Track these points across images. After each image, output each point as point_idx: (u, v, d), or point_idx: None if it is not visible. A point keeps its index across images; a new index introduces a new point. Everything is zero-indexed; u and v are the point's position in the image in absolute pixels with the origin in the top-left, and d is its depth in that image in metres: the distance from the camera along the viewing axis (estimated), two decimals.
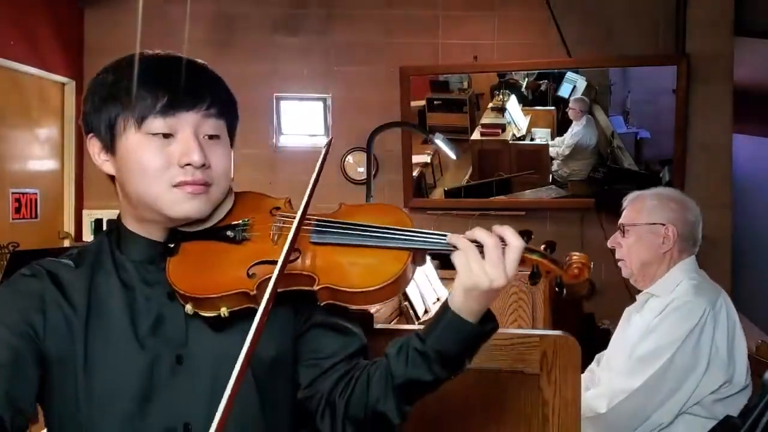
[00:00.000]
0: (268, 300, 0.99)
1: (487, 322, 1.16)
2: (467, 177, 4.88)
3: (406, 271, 1.15)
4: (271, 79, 4.81)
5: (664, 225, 2.29)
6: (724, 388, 2.12)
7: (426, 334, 1.13)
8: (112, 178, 1.23)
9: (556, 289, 1.19)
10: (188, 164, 1.13)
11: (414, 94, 4.83)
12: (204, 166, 1.14)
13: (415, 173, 4.90)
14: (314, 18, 5.00)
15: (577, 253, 1.18)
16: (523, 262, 1.15)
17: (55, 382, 1.16)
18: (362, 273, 1.13)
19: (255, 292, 1.11)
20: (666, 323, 2.15)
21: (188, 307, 1.13)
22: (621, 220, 2.39)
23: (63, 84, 4.96)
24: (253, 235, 1.18)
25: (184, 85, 1.14)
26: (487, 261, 1.10)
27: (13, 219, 4.46)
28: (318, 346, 1.22)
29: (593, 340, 2.65)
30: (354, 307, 1.16)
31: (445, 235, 1.15)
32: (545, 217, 4.87)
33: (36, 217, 4.68)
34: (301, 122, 4.94)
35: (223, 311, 1.12)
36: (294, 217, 1.14)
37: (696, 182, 4.59)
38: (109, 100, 1.15)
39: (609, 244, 2.42)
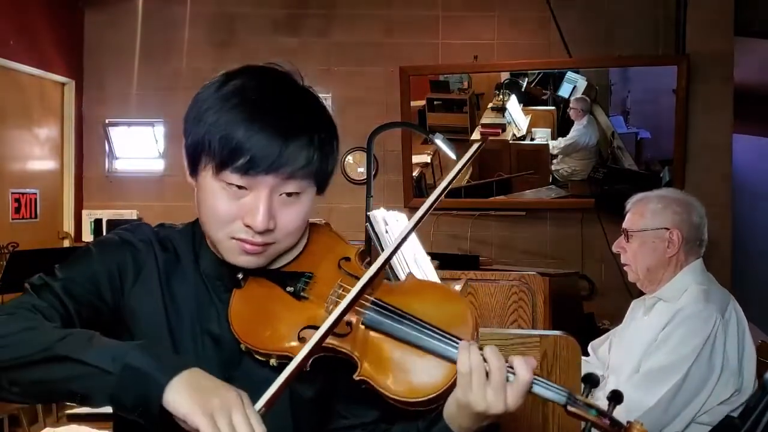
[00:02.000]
0: (299, 365, 1.01)
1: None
2: (467, 177, 4.88)
3: (451, 387, 1.07)
4: None
5: (668, 229, 2.23)
6: (734, 397, 2.10)
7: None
8: None
9: None
10: (249, 226, 1.10)
11: (414, 94, 4.82)
12: (267, 231, 1.10)
13: (415, 173, 4.90)
14: (314, 18, 5.00)
15: (639, 424, 1.06)
16: (576, 416, 1.07)
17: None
18: (405, 380, 1.08)
19: None
20: (677, 335, 2.10)
21: (242, 346, 1.14)
22: (624, 225, 2.31)
23: (63, 84, 4.96)
24: (312, 295, 1.15)
25: (275, 147, 1.07)
26: (490, 384, 1.05)
27: (12, 219, 4.46)
28: (348, 401, 1.23)
29: (593, 340, 2.64)
30: (388, 402, 1.10)
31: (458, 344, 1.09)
32: (545, 217, 4.87)
33: (36, 217, 4.68)
34: None
35: (272, 362, 1.12)
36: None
37: (696, 182, 4.59)
38: (201, 127, 1.10)
39: (614, 249, 2.36)
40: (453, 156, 3.74)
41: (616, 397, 1.08)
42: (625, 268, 2.35)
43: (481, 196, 4.85)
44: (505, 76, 4.78)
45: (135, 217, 5.01)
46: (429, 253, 2.43)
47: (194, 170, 1.14)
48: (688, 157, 4.62)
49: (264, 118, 1.08)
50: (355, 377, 1.09)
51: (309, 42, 4.97)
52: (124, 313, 1.17)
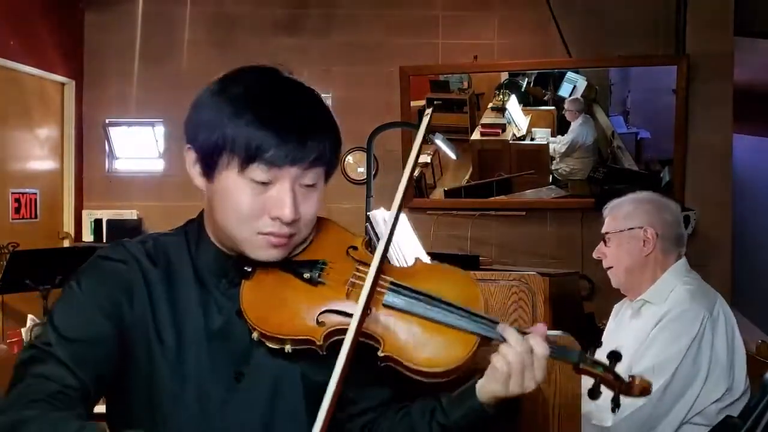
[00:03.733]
0: (344, 366, 1.04)
1: (512, 406, 1.19)
2: (467, 177, 4.88)
3: (472, 356, 1.15)
4: None
5: (642, 228, 2.26)
6: (726, 397, 2.11)
7: (451, 409, 1.18)
8: None
9: (611, 403, 1.18)
10: (278, 218, 1.14)
11: (414, 94, 4.82)
12: (293, 222, 1.15)
13: (415, 173, 4.90)
14: (314, 18, 5.00)
15: (639, 377, 1.17)
16: (586, 373, 1.17)
17: (131, 369, 1.18)
18: (428, 352, 1.14)
19: (321, 342, 1.14)
20: (665, 335, 2.12)
21: (255, 335, 1.15)
22: (603, 230, 2.38)
23: (63, 84, 4.96)
24: (328, 280, 1.19)
25: (296, 139, 1.13)
26: (526, 373, 1.14)
27: (12, 219, 4.46)
28: (358, 386, 1.24)
29: (593, 340, 2.64)
30: (411, 376, 1.16)
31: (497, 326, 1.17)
32: (545, 217, 4.87)
33: (36, 217, 4.68)
34: None
35: (288, 348, 1.15)
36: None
37: (696, 182, 4.59)
38: (219, 129, 1.13)
39: (594, 254, 2.40)
40: (453, 156, 3.74)
41: (615, 356, 1.18)
42: (608, 273, 2.38)
43: (481, 196, 4.85)
44: (505, 76, 4.78)
45: (135, 217, 5.01)
46: (429, 253, 2.43)
47: (211, 173, 1.16)
48: (688, 157, 4.62)
49: (284, 113, 1.14)
50: (380, 354, 1.13)
51: (309, 42, 4.97)
52: (124, 340, 1.17)
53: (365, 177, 3.73)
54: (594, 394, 1.17)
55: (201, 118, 1.16)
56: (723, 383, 2.10)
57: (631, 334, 2.25)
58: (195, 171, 1.19)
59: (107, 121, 5.07)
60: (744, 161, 6.59)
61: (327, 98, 4.94)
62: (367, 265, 1.18)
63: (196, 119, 1.17)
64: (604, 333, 2.48)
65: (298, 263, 1.20)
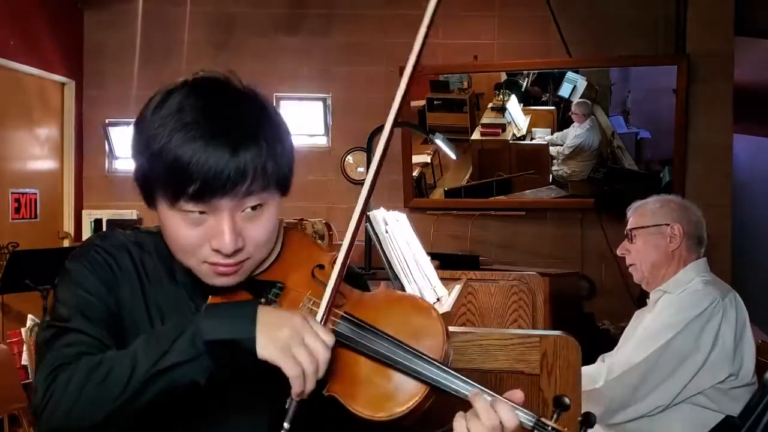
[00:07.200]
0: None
1: None
2: (467, 177, 4.88)
3: (418, 407, 1.06)
4: (271, 79, 4.79)
5: (669, 225, 2.34)
6: (730, 381, 2.16)
7: None
8: None
9: None
10: (218, 250, 1.07)
11: (414, 94, 4.82)
12: (236, 251, 1.07)
13: (415, 173, 4.90)
14: (314, 18, 5.00)
15: None
16: None
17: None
18: (372, 398, 1.06)
19: None
20: (673, 308, 2.21)
21: None
22: (628, 227, 2.43)
23: (63, 84, 4.96)
24: (283, 305, 1.14)
25: (224, 171, 1.02)
26: None
27: (12, 219, 4.46)
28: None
29: (593, 340, 2.65)
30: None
31: (471, 386, 1.05)
32: (545, 217, 4.87)
33: (36, 217, 4.68)
34: (301, 122, 4.94)
35: None
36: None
37: (696, 182, 4.59)
38: (146, 163, 1.07)
39: (618, 252, 2.48)
40: (453, 156, 3.74)
41: (587, 420, 1.03)
42: (630, 269, 2.44)
43: (481, 196, 4.85)
44: (504, 76, 4.78)
45: (135, 217, 5.01)
46: (429, 253, 2.43)
47: (151, 202, 1.12)
48: (688, 157, 4.62)
49: (206, 138, 1.03)
50: (324, 393, 1.06)
51: (309, 42, 4.97)
52: (118, 319, 1.14)
53: (365, 177, 3.72)
54: None
55: (133, 143, 1.11)
56: (726, 367, 2.15)
57: (647, 321, 2.31)
58: (142, 198, 1.16)
59: (107, 121, 5.07)
60: (744, 161, 6.59)
61: (327, 98, 4.98)
62: (323, 290, 1.11)
63: (132, 142, 1.11)
64: (622, 335, 2.51)
65: (257, 283, 1.16)
